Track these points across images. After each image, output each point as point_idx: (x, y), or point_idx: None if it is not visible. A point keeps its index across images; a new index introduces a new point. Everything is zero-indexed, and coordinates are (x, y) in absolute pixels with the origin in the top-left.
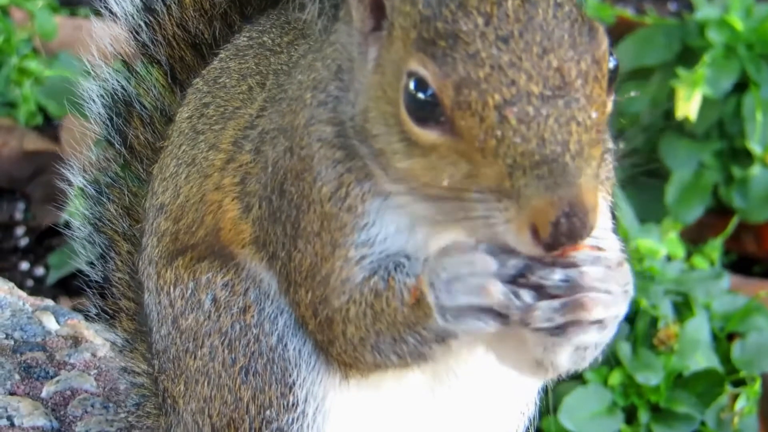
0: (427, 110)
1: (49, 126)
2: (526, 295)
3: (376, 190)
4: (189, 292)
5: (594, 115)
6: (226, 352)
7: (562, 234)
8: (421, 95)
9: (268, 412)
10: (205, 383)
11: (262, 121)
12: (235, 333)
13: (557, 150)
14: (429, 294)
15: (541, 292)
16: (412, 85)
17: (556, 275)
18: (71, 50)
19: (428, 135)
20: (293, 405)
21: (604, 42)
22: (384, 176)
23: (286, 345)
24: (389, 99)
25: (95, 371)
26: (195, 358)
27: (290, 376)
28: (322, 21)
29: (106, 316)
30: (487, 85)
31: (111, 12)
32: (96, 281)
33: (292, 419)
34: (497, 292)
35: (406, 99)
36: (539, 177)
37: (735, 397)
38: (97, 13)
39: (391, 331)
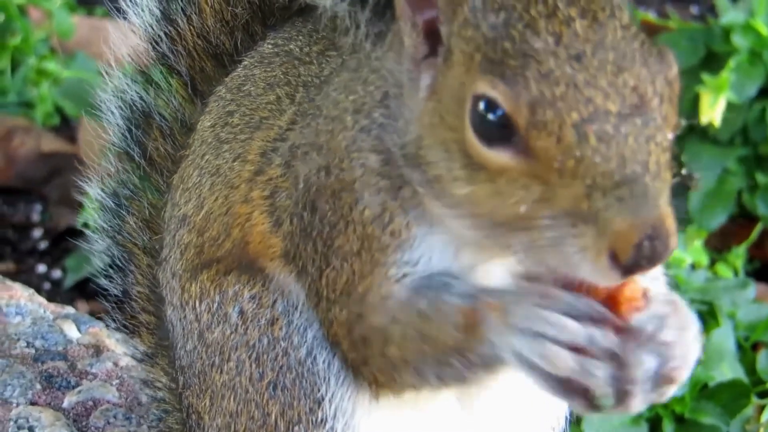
0: (497, 132)
1: (66, 126)
2: (601, 373)
3: (421, 219)
4: (215, 305)
5: (669, 136)
6: (254, 366)
7: (644, 257)
8: (491, 116)
9: (296, 428)
10: (232, 398)
11: (292, 135)
12: (262, 346)
13: (638, 170)
14: (506, 334)
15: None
16: (480, 107)
17: (647, 362)
18: (88, 50)
19: (499, 157)
20: (322, 421)
21: (675, 64)
22: (437, 204)
23: (315, 358)
24: (448, 125)
25: (117, 381)
26: (221, 372)
27: (319, 390)
28: (369, 44)
29: (126, 330)
30: (563, 103)
31: (129, 22)
32: (115, 295)
33: None
34: (566, 366)
35: (475, 122)
36: (620, 198)
37: (761, 409)
38: (115, 20)
39: (436, 353)
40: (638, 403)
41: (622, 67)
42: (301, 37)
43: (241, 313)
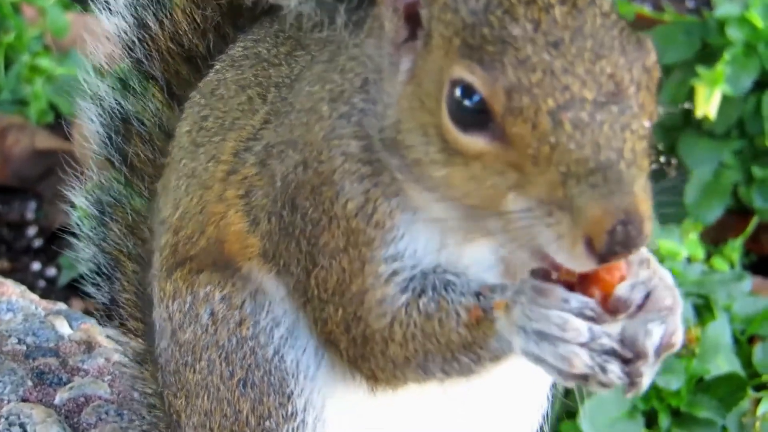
0: (473, 117)
1: (60, 124)
2: (614, 368)
3: (405, 205)
4: (187, 306)
5: (646, 124)
6: (224, 365)
7: (617, 243)
8: (467, 102)
9: (267, 423)
10: (205, 397)
11: (266, 134)
12: (231, 346)
13: (612, 157)
14: (515, 335)
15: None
16: (457, 93)
17: (655, 335)
18: (83, 47)
19: (475, 142)
20: (292, 414)
21: (653, 52)
22: (417, 188)
23: (282, 357)
24: (427, 108)
25: (109, 377)
26: (194, 371)
27: (288, 386)
28: (346, 34)
29: (116, 338)
30: (540, 90)
31: (103, 28)
32: (103, 303)
33: (292, 429)
34: (582, 365)
35: (451, 107)
36: (594, 185)
37: (757, 402)
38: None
39: (442, 351)
40: (648, 381)
41: (599, 55)
42: (268, 39)
43: (212, 314)
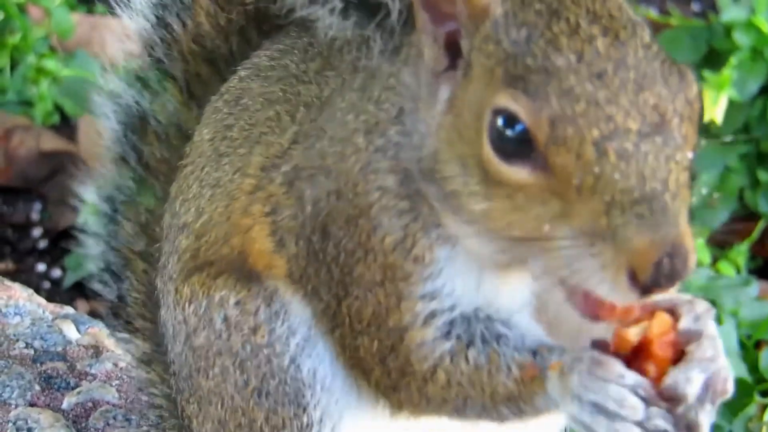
0: (516, 147)
1: (65, 125)
2: (659, 413)
3: (443, 239)
4: (202, 309)
5: (689, 155)
6: (238, 372)
7: (663, 276)
8: (509, 132)
9: None
10: (219, 404)
11: (294, 155)
12: (246, 353)
13: (657, 188)
14: (569, 401)
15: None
16: (500, 122)
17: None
18: (88, 48)
19: (517, 172)
20: (308, 426)
21: (695, 84)
22: (455, 220)
23: (299, 366)
24: (466, 139)
25: (117, 382)
26: (207, 377)
27: (304, 396)
28: (382, 62)
29: (122, 337)
30: (584, 120)
31: (124, 26)
32: (110, 300)
33: None
34: None
35: (492, 136)
36: (639, 216)
37: (764, 407)
38: (110, 23)
39: (484, 400)
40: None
41: (643, 86)
42: (296, 52)
43: (226, 319)
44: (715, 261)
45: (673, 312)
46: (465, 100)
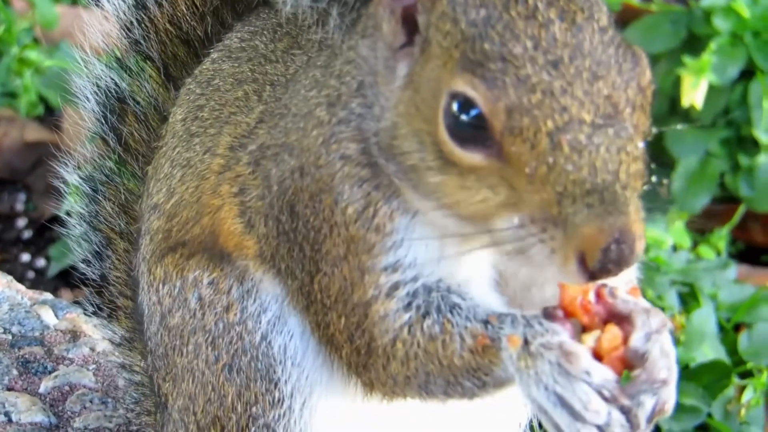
0: (471, 132)
1: (50, 116)
2: (618, 420)
3: (404, 208)
4: (176, 290)
5: (640, 145)
6: (210, 349)
7: (610, 261)
8: (465, 117)
9: (254, 409)
10: (190, 380)
11: (260, 133)
12: (218, 330)
13: (608, 179)
14: (533, 384)
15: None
16: (455, 107)
17: (647, 405)
18: (72, 40)
19: (471, 157)
20: (279, 401)
21: (648, 69)
22: (413, 192)
23: (270, 342)
24: (424, 116)
25: (94, 366)
26: (182, 355)
27: (275, 372)
28: (339, 36)
29: (104, 314)
30: (539, 111)
31: (102, 9)
32: (93, 279)
33: (279, 415)
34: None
35: (448, 120)
36: (589, 205)
37: (742, 389)
38: (89, 7)
39: (444, 374)
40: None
41: (597, 75)
42: (266, 32)
43: (200, 298)
44: (695, 245)
45: (630, 321)
46: (422, 77)
